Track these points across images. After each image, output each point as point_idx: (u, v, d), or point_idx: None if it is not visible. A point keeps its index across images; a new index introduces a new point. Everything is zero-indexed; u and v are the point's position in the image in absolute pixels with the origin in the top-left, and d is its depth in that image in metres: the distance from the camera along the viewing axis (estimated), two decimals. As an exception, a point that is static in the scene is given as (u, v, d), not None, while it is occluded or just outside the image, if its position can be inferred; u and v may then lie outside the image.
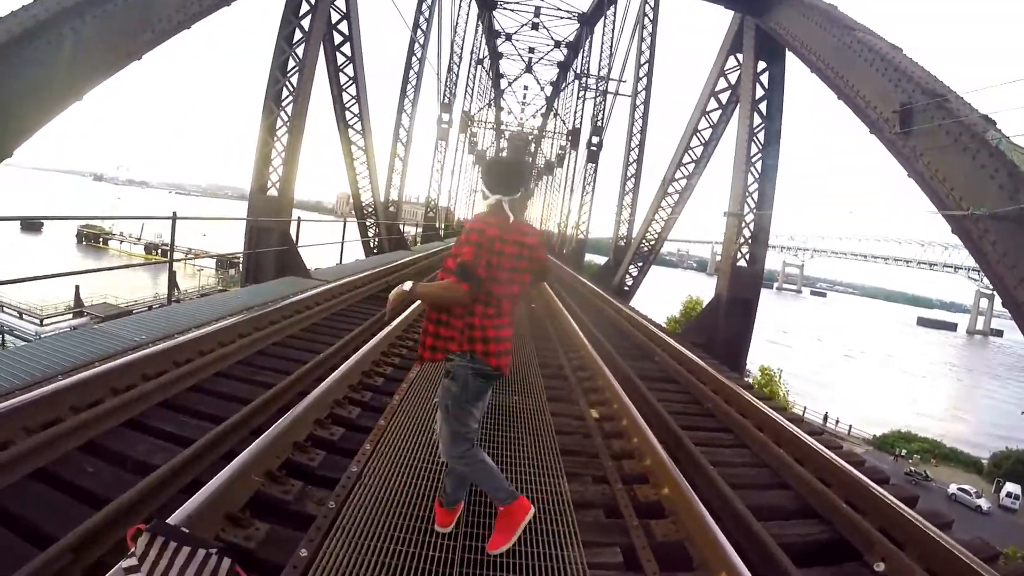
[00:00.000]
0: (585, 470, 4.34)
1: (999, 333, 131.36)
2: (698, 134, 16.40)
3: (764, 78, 13.09)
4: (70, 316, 33.95)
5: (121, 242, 71.53)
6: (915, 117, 6.88)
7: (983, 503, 36.33)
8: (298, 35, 12.67)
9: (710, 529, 3.23)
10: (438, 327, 2.84)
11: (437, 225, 34.15)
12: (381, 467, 3.63)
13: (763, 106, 13.16)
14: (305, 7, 12.64)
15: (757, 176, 13.13)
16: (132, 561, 2.18)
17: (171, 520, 2.50)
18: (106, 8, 6.44)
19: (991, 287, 6.42)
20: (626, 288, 21.12)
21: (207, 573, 2.35)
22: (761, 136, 13.14)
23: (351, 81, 16.84)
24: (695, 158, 16.80)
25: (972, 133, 6.07)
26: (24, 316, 33.29)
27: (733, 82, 15.06)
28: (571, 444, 4.77)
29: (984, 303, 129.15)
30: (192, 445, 3.58)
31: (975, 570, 3.20)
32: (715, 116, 15.96)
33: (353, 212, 20.14)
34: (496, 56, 45.57)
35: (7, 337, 29.16)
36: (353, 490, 3.33)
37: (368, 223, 20.44)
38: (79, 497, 3.10)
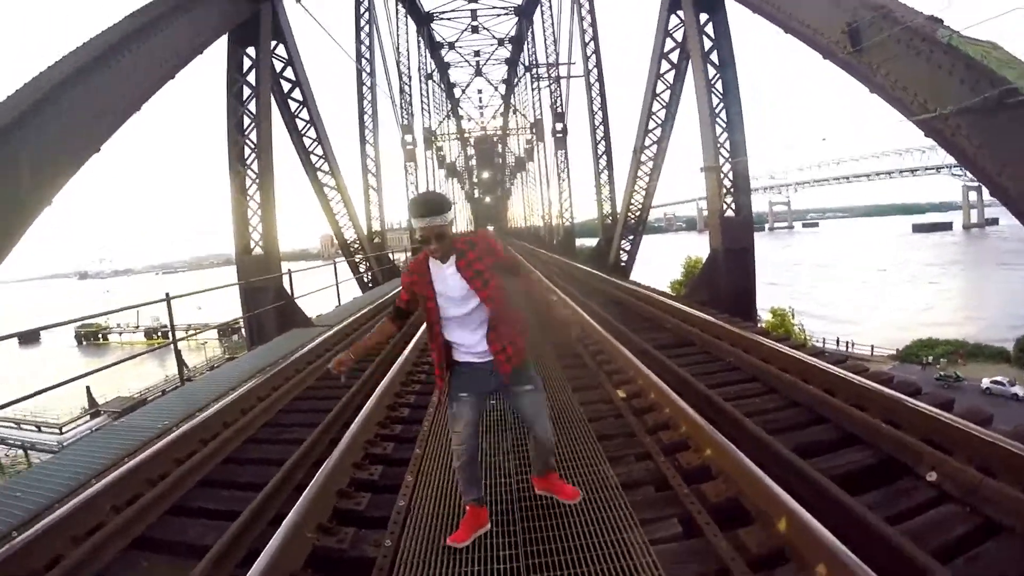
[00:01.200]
0: (626, 450, 4.35)
1: (995, 221, 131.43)
2: (658, 98, 16.43)
3: (709, 29, 13.13)
4: (87, 418, 33.92)
5: (120, 333, 71.62)
6: (863, 34, 6.92)
7: (1018, 390, 36.26)
8: (247, 91, 12.69)
9: (759, 479, 3.26)
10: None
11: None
12: (427, 495, 3.65)
13: (714, 56, 13.22)
14: (247, 62, 12.65)
15: (724, 126, 13.16)
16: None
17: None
18: (51, 111, 6.46)
19: (975, 180, 6.45)
20: (622, 264, 21.11)
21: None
22: (719, 87, 13.18)
23: (309, 124, 16.84)
24: (660, 122, 16.83)
25: (922, 36, 6.11)
26: (42, 429, 33.24)
27: (680, 40, 15.08)
28: (606, 428, 4.79)
29: (973, 196, 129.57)
30: (239, 517, 3.58)
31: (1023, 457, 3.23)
32: (671, 77, 15.99)
33: (339, 252, 20.14)
34: (444, 67, 45.67)
35: (30, 453, 29.12)
36: (406, 524, 3.35)
37: (357, 259, 20.44)
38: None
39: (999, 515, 3.10)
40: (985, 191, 6.58)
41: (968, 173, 7.04)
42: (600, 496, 3.46)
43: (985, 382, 37.57)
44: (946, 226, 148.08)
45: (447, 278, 2.99)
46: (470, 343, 3.07)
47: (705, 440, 3.99)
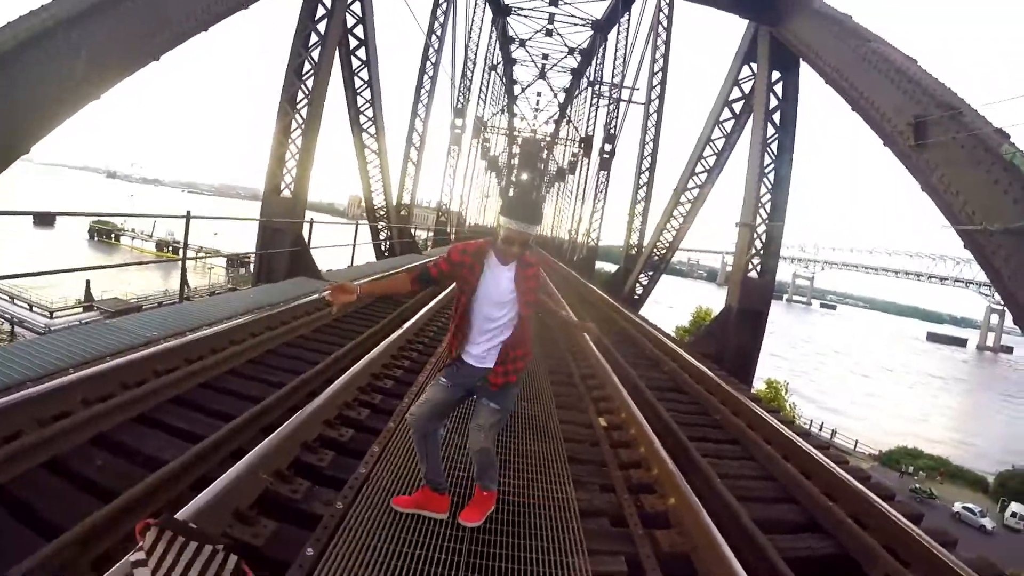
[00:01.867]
0: (593, 478, 4.34)
1: (1009, 350, 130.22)
2: (711, 143, 16.32)
3: (778, 88, 13.01)
4: (79, 310, 34.11)
5: (133, 239, 71.84)
6: (929, 130, 6.84)
7: (987, 523, 36.06)
8: (314, 39, 12.72)
9: (716, 542, 3.23)
10: None
11: (448, 230, 34.16)
12: (389, 469, 3.65)
13: (776, 116, 13.06)
14: (321, 11, 12.70)
15: (770, 187, 13.03)
16: (140, 555, 2.19)
17: (180, 515, 2.52)
18: (123, 9, 6.50)
19: (1002, 303, 6.37)
20: (636, 297, 21.01)
21: (214, 569, 2.37)
22: (774, 147, 13.04)
23: (366, 85, 16.88)
24: (707, 167, 16.70)
25: (986, 147, 6.03)
26: (34, 308, 33.45)
27: (747, 91, 14.95)
28: (579, 452, 4.78)
29: (995, 319, 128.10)
30: (202, 442, 3.60)
31: None
32: (728, 126, 15.87)
33: (365, 215, 20.17)
34: (510, 62, 45.69)
35: (17, 328, 29.34)
36: (361, 491, 3.35)
37: (380, 226, 20.48)
38: (88, 490, 3.13)
39: None
40: (1008, 317, 6.51)
41: (996, 296, 6.96)
42: (557, 516, 3.45)
43: (957, 506, 37.40)
44: (960, 342, 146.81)
45: (500, 280, 2.99)
46: (478, 348, 3.08)
47: (673, 488, 3.96)
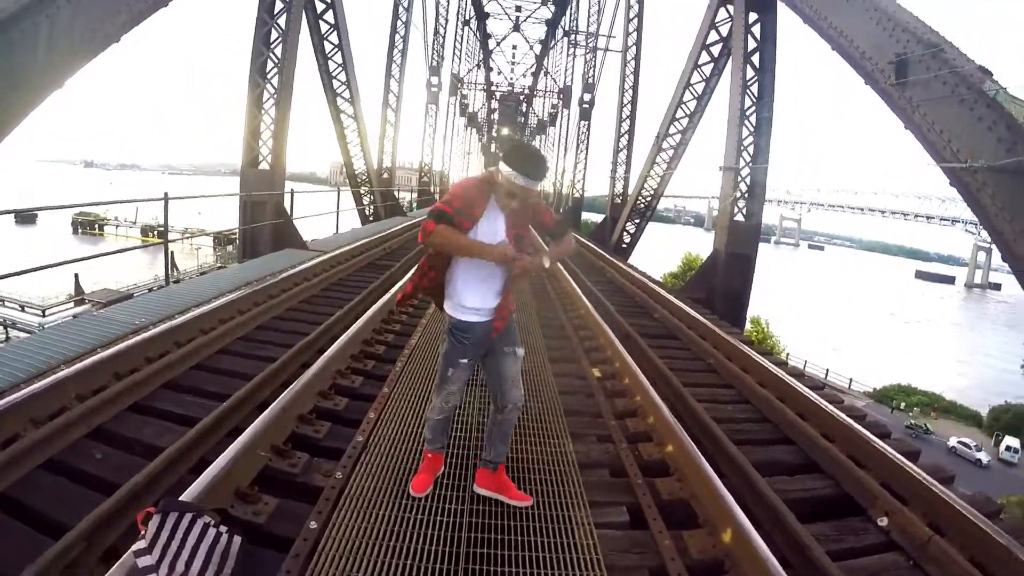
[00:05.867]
0: (589, 430, 4.35)
1: (997, 287, 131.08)
2: (691, 88, 16.15)
3: (756, 30, 12.84)
4: (71, 305, 33.85)
5: (117, 227, 71.01)
6: (911, 68, 6.77)
7: (983, 456, 36.68)
8: (279, 5, 12.42)
9: (715, 486, 3.25)
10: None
11: (432, 189, 33.96)
12: (386, 435, 3.66)
13: (755, 58, 12.91)
14: (286, -23, 12.37)
15: (752, 130, 12.96)
16: (142, 544, 2.19)
17: (181, 498, 2.52)
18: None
19: (989, 240, 6.40)
20: (624, 245, 21.02)
21: (218, 550, 2.38)
22: (754, 89, 12.93)
23: (336, 49, 16.53)
24: (688, 112, 16.57)
25: (969, 84, 5.98)
26: (26, 308, 33.16)
27: (724, 34, 14.77)
28: (574, 404, 4.79)
29: (982, 256, 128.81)
30: (197, 424, 3.58)
31: (977, 526, 3.21)
32: (707, 69, 15.68)
33: (347, 181, 20.01)
34: (483, 16, 44.70)
35: (11, 331, 29.12)
36: (360, 460, 3.36)
37: (362, 191, 20.31)
38: (90, 484, 3.10)
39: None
40: (995, 254, 6.53)
41: (983, 233, 6.97)
42: (556, 469, 3.48)
43: (952, 441, 38.05)
44: (949, 279, 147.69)
45: (497, 221, 2.84)
46: (480, 299, 2.94)
47: (669, 435, 3.98)
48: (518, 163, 2.69)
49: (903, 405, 43.95)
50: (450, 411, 3.18)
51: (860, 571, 3.10)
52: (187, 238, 47.03)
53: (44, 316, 31.58)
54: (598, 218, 25.98)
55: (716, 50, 15.27)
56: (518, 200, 2.75)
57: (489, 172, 2.86)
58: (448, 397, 3.09)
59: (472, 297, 2.94)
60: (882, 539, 3.46)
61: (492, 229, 2.82)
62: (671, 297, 9.66)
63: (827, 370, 46.00)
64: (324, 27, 16.11)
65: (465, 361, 3.04)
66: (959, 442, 37.76)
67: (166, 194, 8.29)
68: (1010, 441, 38.61)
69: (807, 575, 2.93)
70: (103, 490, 2.93)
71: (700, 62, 15.60)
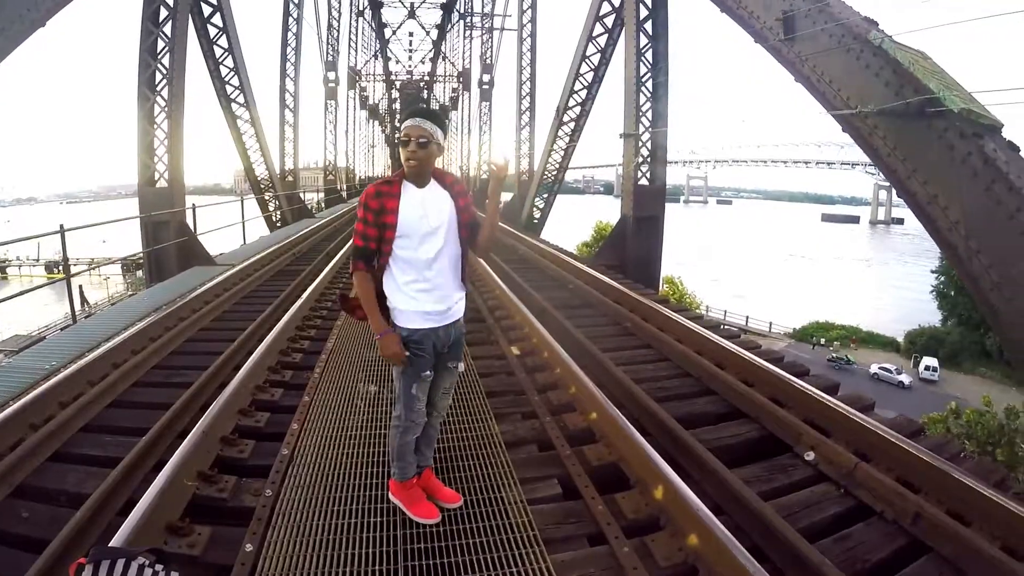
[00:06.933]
0: (513, 408, 4.42)
1: (900, 221, 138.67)
2: (587, 60, 16.34)
3: (646, -2, 13.12)
4: (-20, 358, 31.64)
5: (20, 267, 66.96)
6: (798, 23, 7.01)
7: (904, 378, 39.01)
8: (164, 13, 11.85)
9: (640, 446, 3.35)
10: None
11: (338, 187, 33.36)
12: (311, 444, 3.62)
13: (648, 26, 13.23)
14: (165, -18, 11.79)
15: (649, 96, 13.32)
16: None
17: (111, 544, 2.43)
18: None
19: (886, 180, 6.72)
20: (535, 222, 21.19)
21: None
22: (649, 56, 13.26)
23: (227, 53, 16.01)
24: (586, 84, 16.81)
25: (855, 35, 6.23)
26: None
27: (616, 5, 15.02)
28: (495, 385, 4.85)
29: (883, 195, 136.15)
30: (120, 464, 3.43)
31: (900, 447, 3.43)
32: (602, 40, 15.90)
33: (251, 189, 19.44)
34: (376, 6, 43.92)
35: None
36: (287, 473, 3.32)
37: (267, 197, 19.78)
38: (19, 545, 2.95)
39: (870, 499, 3.29)
40: (894, 191, 6.84)
41: (881, 174, 7.31)
42: (483, 452, 3.53)
43: (874, 367, 40.27)
44: (854, 219, 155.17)
45: (426, 200, 2.67)
46: (425, 302, 2.73)
47: (592, 403, 4.07)
48: (404, 114, 2.72)
49: (823, 341, 46.27)
50: (418, 428, 2.94)
51: (792, 506, 3.25)
52: (92, 269, 44.70)
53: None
54: (507, 197, 26.10)
55: (609, 21, 15.50)
56: (414, 148, 2.60)
57: (396, 172, 2.77)
58: (415, 415, 2.87)
59: (420, 302, 2.74)
60: (811, 473, 3.64)
61: (422, 211, 2.66)
62: (584, 267, 9.87)
63: (747, 317, 47.91)
64: (213, 31, 15.58)
65: (428, 373, 2.84)
66: (880, 368, 40.00)
67: (61, 226, 7.89)
68: (928, 361, 41.25)
69: (740, 517, 3.06)
70: (34, 549, 2.77)
71: (594, 34, 15.81)
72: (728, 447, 3.94)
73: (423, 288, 2.72)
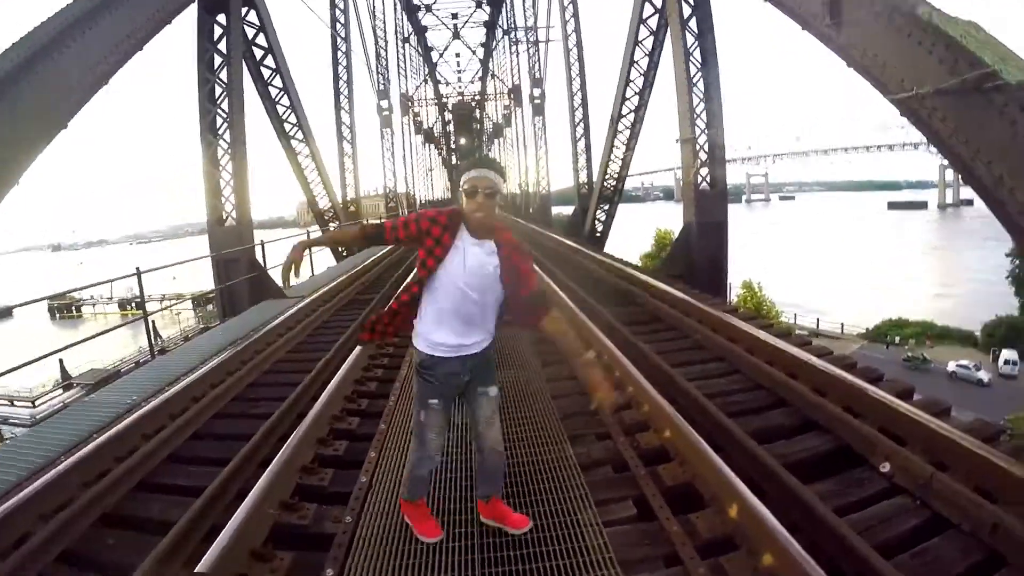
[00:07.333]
0: (587, 429, 4.42)
1: (969, 203, 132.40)
2: (636, 65, 16.29)
3: (689, -5, 12.99)
4: (60, 391, 33.51)
5: (94, 305, 70.71)
6: (844, 5, 6.82)
7: (983, 375, 36.88)
8: (218, 60, 12.43)
9: (714, 464, 3.33)
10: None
11: (400, 213, 33.99)
12: (389, 471, 3.69)
13: (693, 23, 13.05)
14: (218, 31, 12.37)
15: (702, 96, 13.12)
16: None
17: (197, 570, 2.55)
18: (15, 93, 6.35)
19: (951, 165, 6.41)
20: (597, 235, 21.08)
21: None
22: (697, 55, 13.07)
23: (282, 92, 16.56)
24: (637, 90, 16.73)
25: (902, 11, 5.99)
26: (15, 402, 32.76)
27: (659, 5, 14.91)
28: (569, 406, 4.84)
29: (950, 175, 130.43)
30: (203, 493, 3.59)
31: (977, 454, 3.30)
32: (649, 44, 15.84)
33: (314, 221, 19.98)
34: (421, 30, 44.85)
35: (3, 427, 28.77)
36: (367, 500, 3.40)
37: (331, 228, 20.30)
38: (106, 571, 3.13)
39: (948, 511, 3.17)
40: (961, 171, 6.52)
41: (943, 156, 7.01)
42: (559, 475, 3.53)
43: (951, 366, 38.19)
44: (921, 205, 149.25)
45: (471, 256, 2.63)
46: (443, 331, 2.71)
47: (665, 421, 4.05)
48: (465, 166, 2.68)
49: (897, 339, 44.33)
50: (433, 460, 2.96)
51: (868, 520, 3.17)
52: (166, 308, 46.76)
53: (34, 407, 31.26)
54: (569, 211, 26.13)
55: (654, 23, 15.43)
56: (481, 199, 2.58)
57: (457, 208, 2.73)
58: (427, 444, 2.88)
59: (439, 332, 2.72)
60: (886, 485, 3.53)
61: (464, 260, 2.63)
62: (649, 279, 9.78)
63: (818, 319, 46.36)
64: (266, 73, 16.14)
65: (435, 402, 2.82)
66: (958, 366, 37.96)
67: (138, 268, 8.32)
68: (1007, 354, 38.94)
69: (815, 534, 2.98)
70: (121, 574, 2.92)
71: (640, 37, 15.77)
72: (802, 461, 3.86)
73: (437, 322, 2.72)
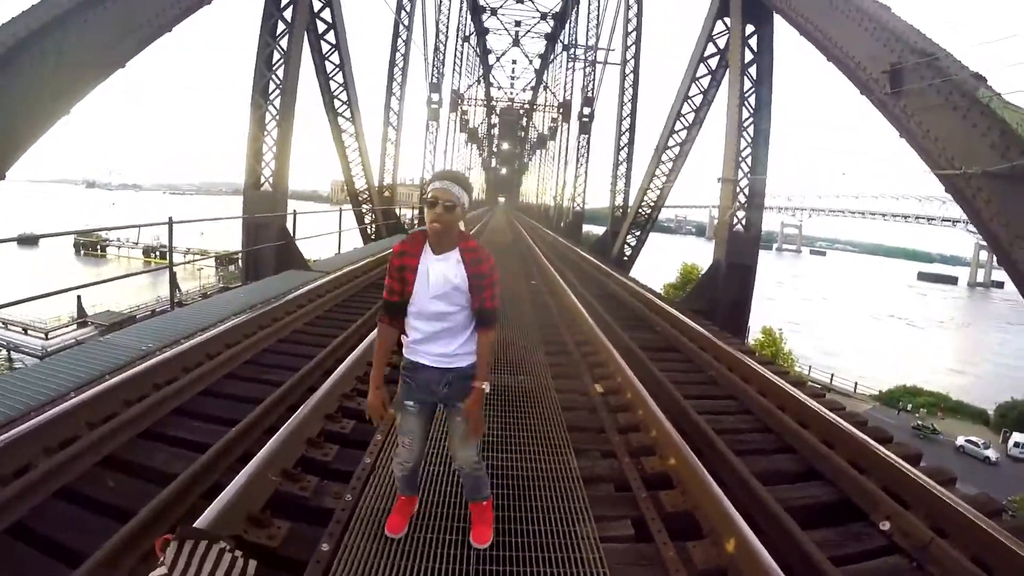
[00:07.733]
0: (593, 445, 4.42)
1: (1000, 285, 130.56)
2: (689, 100, 16.28)
3: (753, 42, 13.03)
4: (74, 327, 33.91)
5: (119, 247, 71.50)
6: (905, 77, 6.82)
7: (991, 454, 36.74)
8: (281, 27, 12.61)
9: (717, 497, 3.31)
10: None
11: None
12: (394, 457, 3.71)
13: (752, 70, 13.13)
14: (286, -1, 12.55)
15: (750, 141, 13.12)
16: (162, 570, 2.25)
17: (195, 525, 2.58)
18: (87, 19, 6.43)
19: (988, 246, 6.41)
20: (625, 258, 21.08)
21: (234, 574, 2.44)
22: (752, 101, 13.11)
23: (337, 68, 16.73)
24: (687, 125, 16.71)
25: (963, 92, 6.03)
26: (29, 332, 33.19)
27: (722, 47, 14.94)
28: (577, 420, 4.85)
29: (984, 255, 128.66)
30: (208, 450, 3.63)
31: (979, 525, 3.27)
32: (705, 82, 15.84)
33: (348, 200, 20.09)
34: (482, 32, 45.28)
35: (15, 354, 29.14)
36: (368, 481, 3.42)
37: (364, 210, 20.38)
38: (105, 512, 3.16)
39: None
40: (996, 254, 6.51)
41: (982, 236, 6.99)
42: (560, 485, 3.54)
43: (960, 440, 38.07)
44: (951, 279, 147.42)
45: (437, 269, 2.67)
46: (430, 347, 2.76)
47: (672, 449, 4.04)
48: (433, 177, 2.71)
49: (909, 406, 43.92)
50: (412, 466, 2.94)
51: (863, 574, 3.19)
52: (190, 262, 47.21)
53: (47, 339, 31.60)
54: (599, 230, 26.15)
55: (714, 63, 15.44)
56: (440, 210, 2.58)
57: (421, 231, 2.78)
58: (403, 448, 2.90)
59: (421, 344, 2.77)
60: (884, 543, 3.53)
61: (429, 275, 2.67)
62: (672, 310, 9.75)
63: (832, 375, 45.94)
64: (325, 47, 16.32)
65: (410, 404, 2.85)
66: (967, 441, 37.89)
67: (171, 218, 8.36)
68: (1018, 437, 38.60)
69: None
70: (118, 518, 2.97)
71: (698, 75, 15.78)
72: (803, 507, 3.84)
73: (418, 334, 2.76)
